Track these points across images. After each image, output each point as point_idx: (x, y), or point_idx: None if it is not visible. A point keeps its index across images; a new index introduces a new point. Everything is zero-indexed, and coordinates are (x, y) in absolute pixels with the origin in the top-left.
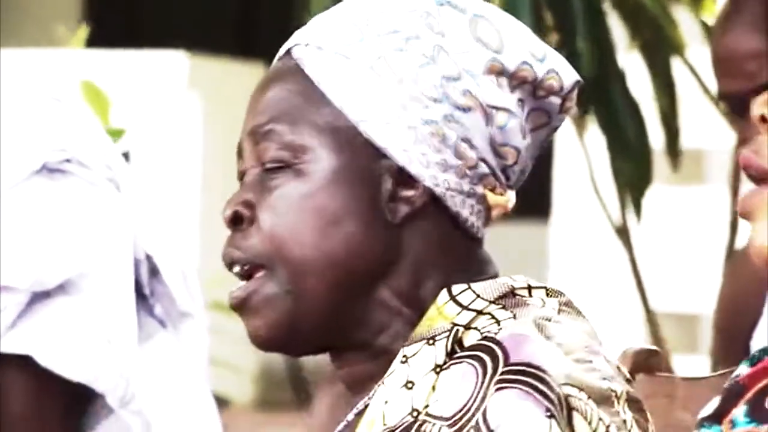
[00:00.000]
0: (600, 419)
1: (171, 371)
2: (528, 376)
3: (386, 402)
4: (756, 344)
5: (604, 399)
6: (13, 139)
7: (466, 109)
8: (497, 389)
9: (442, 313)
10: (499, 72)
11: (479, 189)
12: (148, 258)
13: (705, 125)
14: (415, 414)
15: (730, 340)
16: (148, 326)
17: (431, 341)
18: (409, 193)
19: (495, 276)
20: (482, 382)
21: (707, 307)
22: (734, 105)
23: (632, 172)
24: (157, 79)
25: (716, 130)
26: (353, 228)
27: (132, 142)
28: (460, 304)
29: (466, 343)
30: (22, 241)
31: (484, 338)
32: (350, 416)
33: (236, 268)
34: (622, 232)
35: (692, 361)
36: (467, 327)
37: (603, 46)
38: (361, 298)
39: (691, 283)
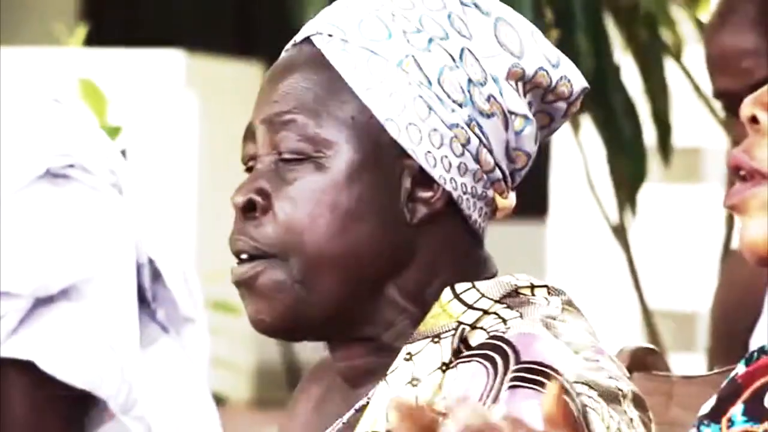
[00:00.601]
0: (611, 417)
1: (173, 377)
2: (540, 375)
3: (390, 400)
4: (755, 343)
5: (612, 397)
6: (16, 144)
7: (489, 115)
8: (509, 387)
9: (446, 310)
10: (519, 77)
11: (490, 192)
12: (151, 262)
13: (701, 124)
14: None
15: (727, 338)
16: (151, 331)
17: (436, 339)
18: (428, 194)
19: (495, 274)
20: (494, 381)
21: (704, 305)
22: (729, 103)
23: (628, 170)
24: (154, 78)
25: (712, 128)
26: (371, 226)
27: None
28: (464, 303)
29: (473, 342)
30: (25, 246)
31: (493, 337)
32: (349, 414)
33: (244, 257)
34: (619, 231)
35: (689, 360)
36: (473, 326)
37: (600, 44)
38: (369, 295)
39: (688, 281)
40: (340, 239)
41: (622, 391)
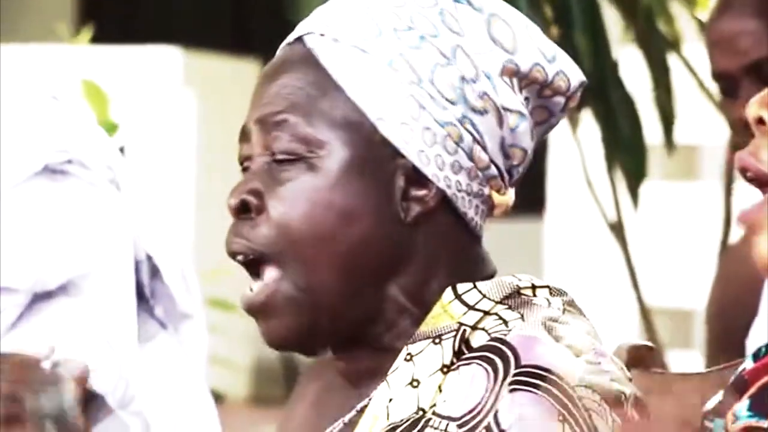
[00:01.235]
0: (614, 421)
1: (171, 373)
2: (540, 379)
3: (391, 400)
4: (752, 342)
5: (615, 401)
6: (14, 140)
7: (482, 112)
8: (509, 391)
9: (447, 311)
10: (514, 73)
11: (486, 190)
12: (149, 258)
13: (699, 121)
14: (420, 413)
15: (724, 336)
16: (149, 328)
17: (437, 340)
18: (422, 192)
19: (493, 274)
20: (494, 384)
21: (701, 302)
22: (726, 84)
23: (628, 167)
24: (152, 75)
25: (710, 125)
26: (365, 224)
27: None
28: (466, 304)
29: (474, 343)
30: (23, 241)
31: (494, 339)
32: (350, 415)
33: (240, 258)
34: (617, 228)
35: (686, 357)
36: (474, 327)
37: (599, 40)
38: (371, 295)
39: (686, 278)
40: (335, 239)
41: (624, 394)
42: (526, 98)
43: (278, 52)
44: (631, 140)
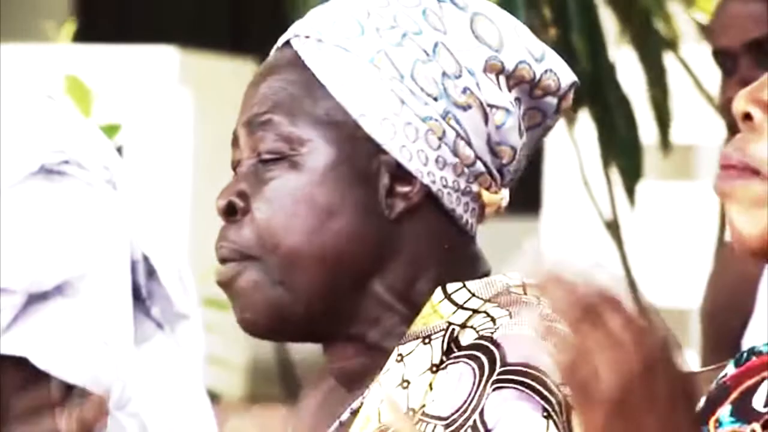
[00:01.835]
0: None
1: (167, 373)
2: (525, 377)
3: (382, 401)
4: (747, 341)
5: None
6: (10, 140)
7: (465, 108)
8: (494, 389)
9: (437, 311)
10: (499, 70)
11: (474, 187)
12: (146, 259)
13: (695, 121)
14: (411, 413)
15: (718, 335)
16: (145, 328)
17: (426, 340)
18: (406, 189)
19: (487, 273)
20: (479, 382)
21: (697, 302)
22: (724, 62)
23: (624, 166)
24: (148, 75)
25: (706, 126)
26: (348, 222)
27: (123, 137)
28: (455, 303)
29: (463, 342)
30: (20, 242)
31: (481, 338)
32: (345, 416)
33: (229, 263)
34: (613, 228)
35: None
36: (463, 326)
37: (596, 42)
38: (353, 292)
39: (681, 278)
40: (317, 236)
41: None
42: (518, 99)
43: (268, 58)
44: (627, 140)
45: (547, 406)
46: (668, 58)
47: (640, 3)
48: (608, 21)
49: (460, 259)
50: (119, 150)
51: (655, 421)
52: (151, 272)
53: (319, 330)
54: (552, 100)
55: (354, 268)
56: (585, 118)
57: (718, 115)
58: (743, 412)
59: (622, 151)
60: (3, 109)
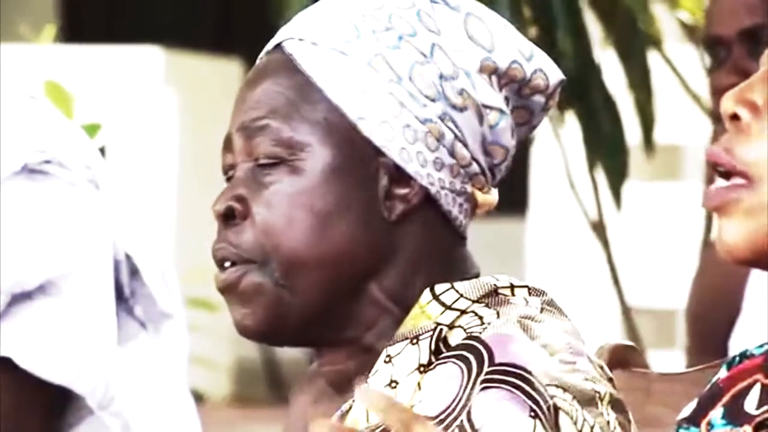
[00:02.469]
0: (585, 420)
1: (151, 373)
2: (513, 377)
3: (368, 395)
4: (735, 342)
5: (588, 400)
6: None
7: (462, 109)
8: (482, 389)
9: (425, 312)
10: (492, 71)
11: (469, 187)
12: (128, 258)
13: (681, 121)
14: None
15: (704, 336)
16: (128, 327)
17: (414, 341)
18: (404, 191)
19: (477, 274)
20: (467, 382)
21: (683, 302)
22: (718, 51)
23: (610, 167)
24: (133, 75)
25: (692, 126)
26: (349, 225)
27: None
28: (443, 304)
29: (452, 341)
30: (2, 242)
31: (469, 338)
32: (335, 417)
33: (227, 265)
34: (599, 228)
35: (668, 357)
36: (451, 326)
37: (581, 41)
38: (352, 295)
39: (668, 278)
40: (318, 240)
41: (599, 393)
42: (506, 98)
43: (258, 61)
44: (612, 141)
45: (534, 407)
46: (653, 58)
47: (623, 3)
48: (592, 22)
49: (452, 261)
50: (102, 150)
51: None
52: (134, 271)
53: (315, 333)
54: (540, 99)
55: (353, 271)
56: (571, 118)
57: (704, 115)
58: (735, 414)
59: (607, 151)
60: None
